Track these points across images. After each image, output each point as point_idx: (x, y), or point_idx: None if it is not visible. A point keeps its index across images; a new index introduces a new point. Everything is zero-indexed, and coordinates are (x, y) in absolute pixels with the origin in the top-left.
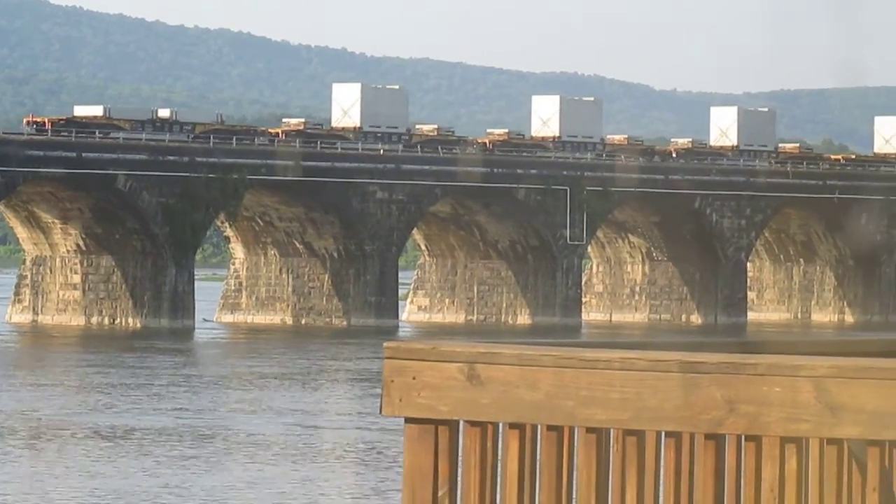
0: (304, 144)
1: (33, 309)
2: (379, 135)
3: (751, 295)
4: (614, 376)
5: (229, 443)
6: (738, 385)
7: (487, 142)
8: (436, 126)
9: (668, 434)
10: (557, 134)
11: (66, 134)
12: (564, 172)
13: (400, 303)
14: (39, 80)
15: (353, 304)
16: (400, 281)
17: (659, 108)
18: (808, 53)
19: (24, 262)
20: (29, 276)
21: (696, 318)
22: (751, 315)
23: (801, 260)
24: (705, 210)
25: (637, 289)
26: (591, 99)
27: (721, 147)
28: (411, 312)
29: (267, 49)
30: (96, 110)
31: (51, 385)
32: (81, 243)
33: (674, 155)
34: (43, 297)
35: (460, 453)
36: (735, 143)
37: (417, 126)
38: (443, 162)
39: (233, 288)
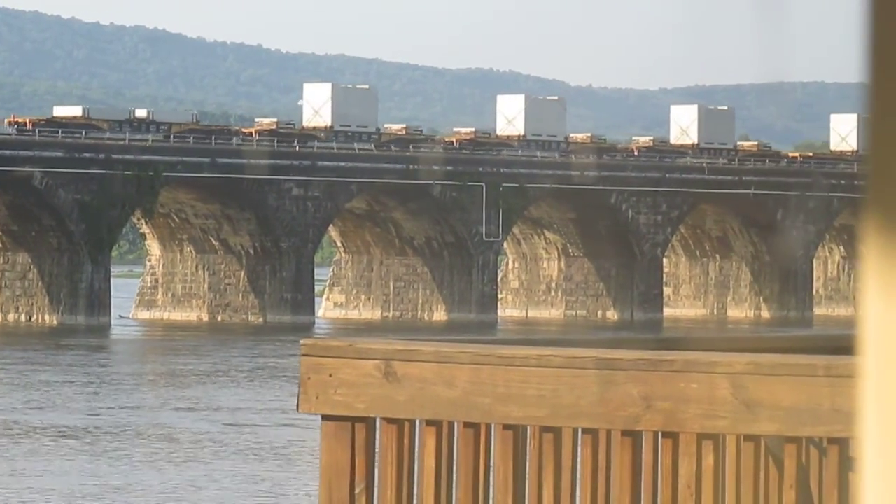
0: (216, 143)
1: None
2: (349, 134)
3: (667, 291)
4: (531, 373)
5: (150, 440)
6: (654, 382)
7: (455, 140)
8: (404, 125)
9: (584, 431)
10: (522, 133)
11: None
12: (480, 169)
13: (316, 299)
14: None
15: (269, 300)
16: (316, 277)
17: (575, 104)
18: (724, 49)
19: None
20: None
21: (612, 315)
22: (667, 311)
23: (717, 256)
24: (621, 206)
25: (553, 285)
26: (556, 98)
27: (682, 145)
28: (327, 309)
29: (182, 46)
30: (76, 111)
31: None
32: None
33: (636, 153)
34: None
35: (377, 450)
36: (696, 141)
37: (386, 125)
38: (361, 158)
39: (149, 285)
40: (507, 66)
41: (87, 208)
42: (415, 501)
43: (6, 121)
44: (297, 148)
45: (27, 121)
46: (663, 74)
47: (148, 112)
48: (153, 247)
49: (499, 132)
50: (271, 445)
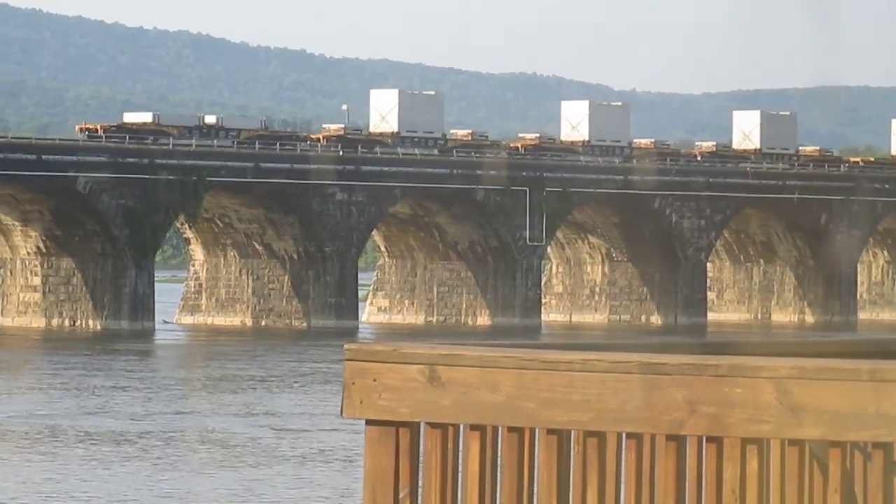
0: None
1: None
2: (416, 139)
3: (710, 295)
4: (575, 378)
5: (193, 445)
6: (699, 386)
7: (520, 146)
8: (470, 131)
9: (629, 435)
10: (587, 138)
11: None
12: (524, 173)
13: (360, 304)
14: None
15: (313, 305)
16: (360, 282)
17: None
18: (768, 53)
19: None
20: None
21: (655, 319)
22: (711, 315)
23: (761, 260)
24: (665, 210)
25: (597, 289)
26: (620, 104)
27: (744, 150)
28: (371, 314)
29: (226, 51)
30: (146, 117)
31: (31, 388)
32: (42, 245)
33: (699, 158)
34: (3, 299)
35: (421, 455)
36: (758, 147)
37: (452, 131)
38: (403, 163)
39: (193, 289)
40: (550, 71)
41: (131, 213)
42: None
43: (77, 127)
44: (341, 154)
45: (98, 127)
46: (707, 78)
47: (217, 118)
48: (197, 251)
49: (563, 137)
50: (321, 450)
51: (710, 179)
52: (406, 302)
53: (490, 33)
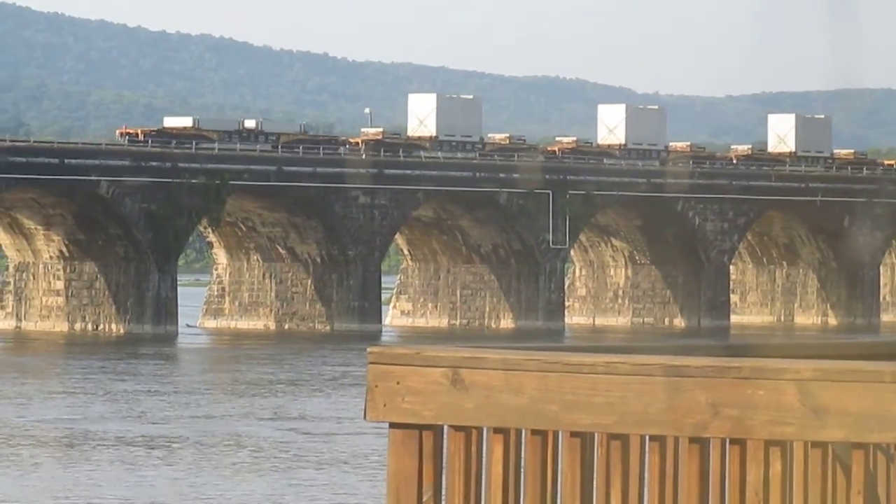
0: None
1: (16, 315)
2: (454, 143)
3: (734, 298)
4: (598, 380)
5: (226, 449)
6: (722, 388)
7: (557, 150)
8: (508, 135)
9: (652, 438)
10: (623, 142)
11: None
12: (547, 176)
13: (383, 307)
14: (22, 87)
15: (336, 309)
16: (383, 285)
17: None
18: (792, 56)
19: (6, 268)
20: (12, 283)
21: (679, 322)
22: (734, 318)
23: (784, 263)
24: (688, 213)
25: (620, 292)
26: (656, 108)
27: (779, 154)
28: (394, 317)
29: (249, 54)
30: (186, 121)
31: (62, 393)
32: (64, 249)
33: (734, 161)
34: (26, 303)
35: (445, 458)
36: (793, 150)
37: (490, 135)
38: (426, 166)
39: (216, 293)
40: (573, 74)
41: (154, 217)
42: None
43: (118, 132)
44: (363, 157)
45: (139, 132)
46: (730, 81)
47: (257, 123)
48: (220, 255)
49: (600, 141)
50: (353, 454)
51: (734, 182)
52: (429, 305)
53: (513, 36)
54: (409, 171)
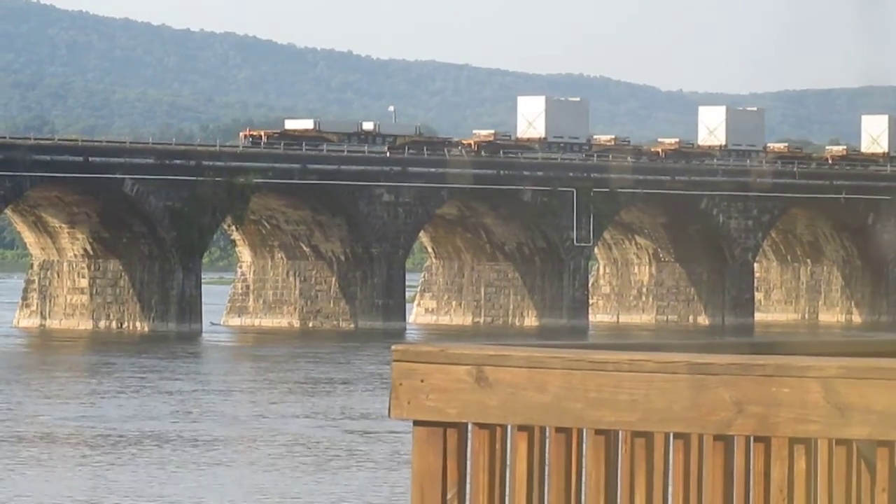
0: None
1: (41, 313)
2: (562, 144)
3: (758, 295)
4: (623, 378)
5: (283, 448)
6: (746, 386)
7: (660, 150)
8: (613, 136)
9: (676, 435)
10: (723, 142)
11: (73, 139)
12: (571, 174)
13: (407, 305)
14: (46, 85)
15: (361, 306)
16: (407, 283)
17: (665, 109)
18: (814, 53)
19: (31, 266)
20: (36, 281)
21: (703, 319)
22: (758, 316)
23: (809, 260)
24: (712, 211)
25: (644, 290)
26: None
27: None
28: (418, 315)
29: (273, 52)
30: (307, 124)
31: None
32: (89, 247)
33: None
34: (50, 301)
35: (469, 456)
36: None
37: (595, 136)
38: (446, 164)
39: (240, 291)
40: (597, 72)
41: (178, 215)
42: None
43: (242, 134)
44: (388, 154)
45: (262, 134)
46: (753, 79)
47: (374, 125)
48: (244, 253)
49: (700, 142)
50: (393, 451)
51: (759, 180)
52: (453, 303)
53: (537, 34)
54: (433, 169)
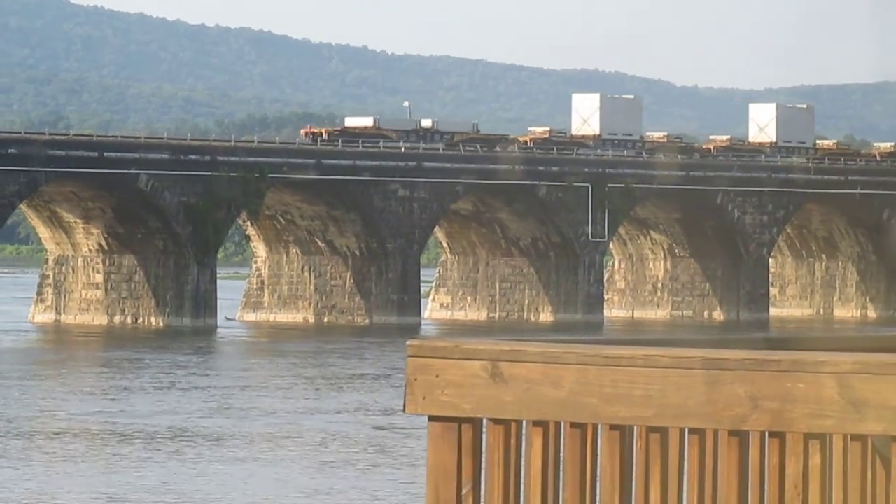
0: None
1: (56, 308)
2: (616, 142)
3: (773, 291)
4: (638, 373)
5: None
6: (761, 381)
7: (712, 147)
8: (665, 133)
9: (691, 431)
10: (774, 139)
11: (88, 135)
12: (586, 169)
13: (422, 300)
14: (61, 80)
15: (376, 302)
16: (422, 279)
17: (680, 105)
18: (829, 49)
19: (46, 261)
20: (51, 276)
21: (718, 315)
22: (773, 311)
23: (824, 256)
24: (727, 206)
25: (659, 285)
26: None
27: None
28: (433, 310)
29: (288, 47)
30: (367, 121)
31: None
32: (104, 243)
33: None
34: (65, 296)
35: (484, 451)
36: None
37: (648, 133)
38: (465, 159)
39: (255, 286)
40: (612, 67)
41: (193, 210)
42: (521, 502)
43: (302, 131)
44: (403, 150)
45: (323, 131)
46: (768, 74)
47: (433, 122)
48: (259, 248)
49: (751, 139)
50: (380, 446)
51: (773, 175)
52: (468, 298)
53: (551, 29)
54: (448, 165)
